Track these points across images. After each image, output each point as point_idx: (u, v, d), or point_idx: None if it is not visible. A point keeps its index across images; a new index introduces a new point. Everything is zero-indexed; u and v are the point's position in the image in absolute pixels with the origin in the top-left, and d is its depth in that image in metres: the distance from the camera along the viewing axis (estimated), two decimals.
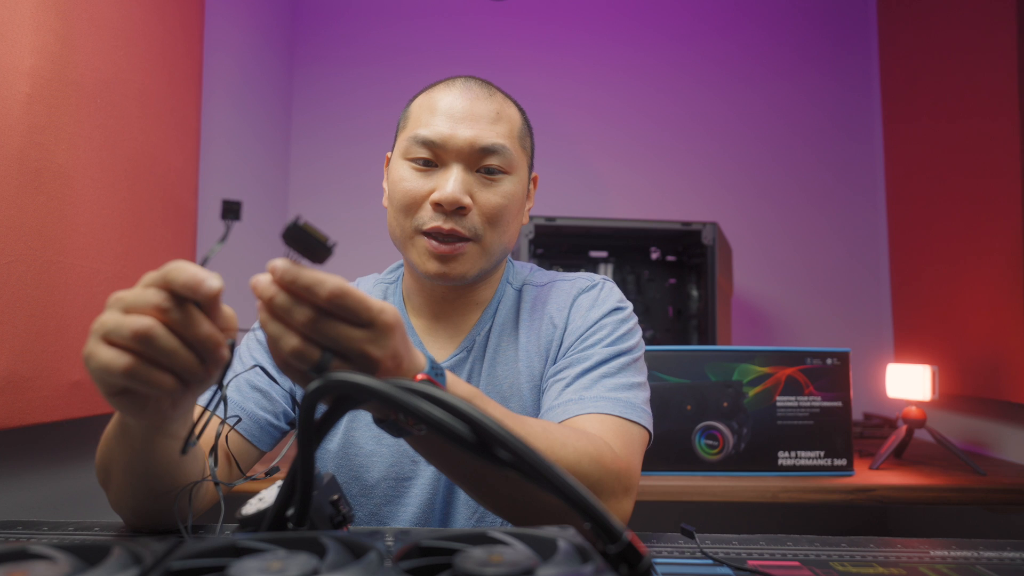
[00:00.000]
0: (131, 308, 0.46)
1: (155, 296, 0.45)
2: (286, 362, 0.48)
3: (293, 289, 0.46)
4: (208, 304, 0.46)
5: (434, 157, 0.79)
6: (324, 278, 0.46)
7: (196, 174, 1.45)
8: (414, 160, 0.79)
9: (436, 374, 0.56)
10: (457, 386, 0.58)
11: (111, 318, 0.46)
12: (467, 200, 0.77)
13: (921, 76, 1.89)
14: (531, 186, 0.90)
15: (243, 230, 1.81)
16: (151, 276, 0.47)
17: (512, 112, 0.83)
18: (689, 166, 2.20)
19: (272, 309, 0.46)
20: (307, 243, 0.47)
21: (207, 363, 0.47)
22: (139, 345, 0.45)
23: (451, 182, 0.76)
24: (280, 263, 0.46)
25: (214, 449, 0.62)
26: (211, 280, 0.45)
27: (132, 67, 1.21)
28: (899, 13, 2.02)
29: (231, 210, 0.48)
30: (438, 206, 0.77)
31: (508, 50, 2.21)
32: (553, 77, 2.21)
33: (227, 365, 0.49)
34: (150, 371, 0.46)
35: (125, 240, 1.19)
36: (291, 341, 0.46)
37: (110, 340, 0.46)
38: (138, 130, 1.23)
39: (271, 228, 2.04)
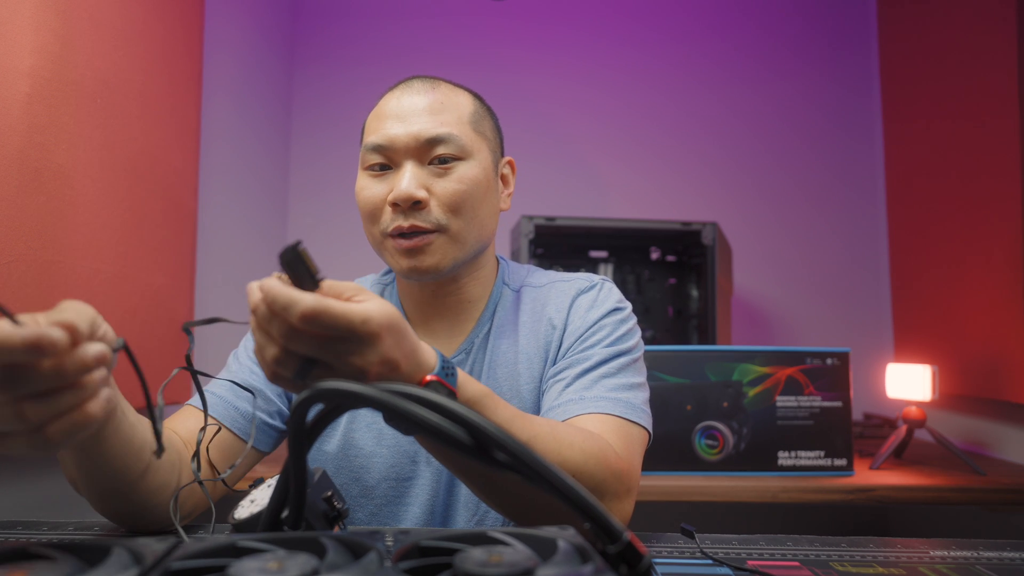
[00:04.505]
0: None
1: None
2: (271, 369, 0.50)
3: (272, 307, 0.47)
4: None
5: (387, 160, 0.80)
6: (298, 299, 0.46)
7: (196, 174, 1.45)
8: (370, 168, 0.80)
9: (447, 374, 0.55)
10: (468, 385, 0.58)
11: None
12: (421, 194, 0.77)
13: (921, 76, 1.90)
14: (506, 171, 0.89)
15: (244, 230, 1.81)
16: None
17: (459, 99, 0.83)
18: (689, 166, 2.20)
19: (256, 320, 0.49)
20: (298, 269, 0.48)
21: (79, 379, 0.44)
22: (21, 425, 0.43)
23: (403, 180, 0.77)
24: (267, 281, 0.48)
25: (196, 454, 0.62)
26: (52, 334, 0.41)
27: (132, 67, 1.21)
28: (899, 13, 2.02)
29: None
30: (396, 206, 0.78)
31: (508, 50, 2.21)
32: (553, 77, 2.21)
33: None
34: (49, 431, 0.43)
35: (125, 240, 1.19)
36: (271, 351, 0.49)
37: None
38: (138, 130, 1.23)
39: (271, 228, 2.04)
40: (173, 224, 1.36)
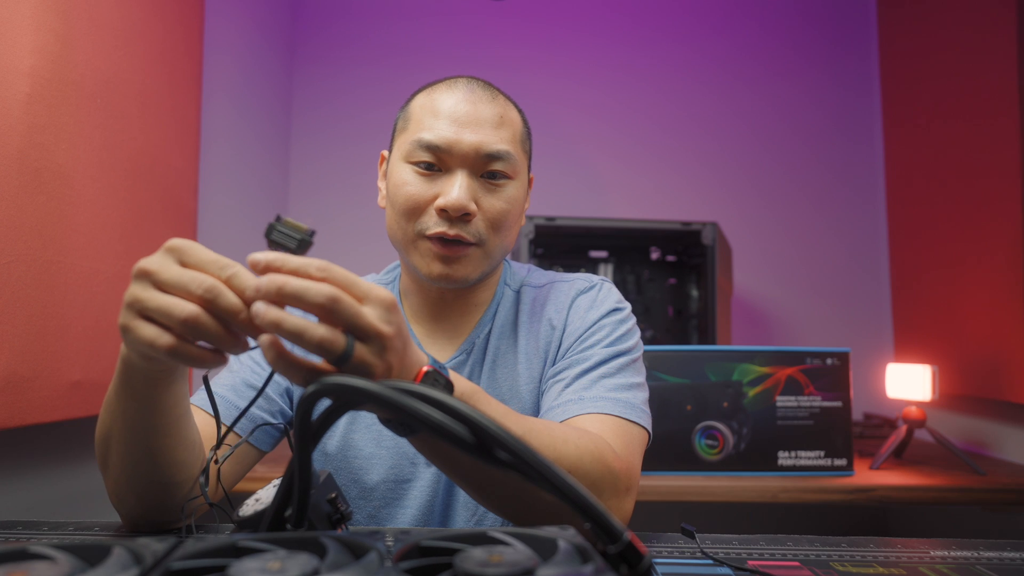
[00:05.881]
0: (169, 288, 0.47)
1: (200, 284, 0.46)
2: (295, 363, 0.47)
3: (283, 268, 0.47)
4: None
5: (438, 161, 0.78)
6: (308, 259, 0.48)
7: (196, 174, 1.45)
8: (417, 164, 0.78)
9: (439, 366, 0.56)
10: (460, 380, 0.58)
11: (152, 298, 0.47)
12: (473, 207, 0.76)
13: (921, 76, 1.90)
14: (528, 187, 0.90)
15: (243, 231, 1.81)
16: (199, 255, 0.48)
17: (514, 115, 0.83)
18: (689, 166, 2.20)
19: (286, 297, 0.46)
20: (290, 239, 0.48)
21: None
22: (183, 329, 0.46)
23: (457, 188, 0.76)
24: (261, 255, 0.47)
25: (206, 470, 0.62)
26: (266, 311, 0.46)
27: (132, 67, 1.21)
28: (899, 13, 2.02)
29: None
30: (443, 212, 0.76)
31: (508, 50, 2.21)
32: (553, 77, 2.21)
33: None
34: (190, 348, 0.48)
35: (125, 240, 1.19)
36: (319, 331, 0.45)
37: (149, 317, 0.48)
38: (138, 130, 1.23)
39: None
40: (173, 224, 1.36)
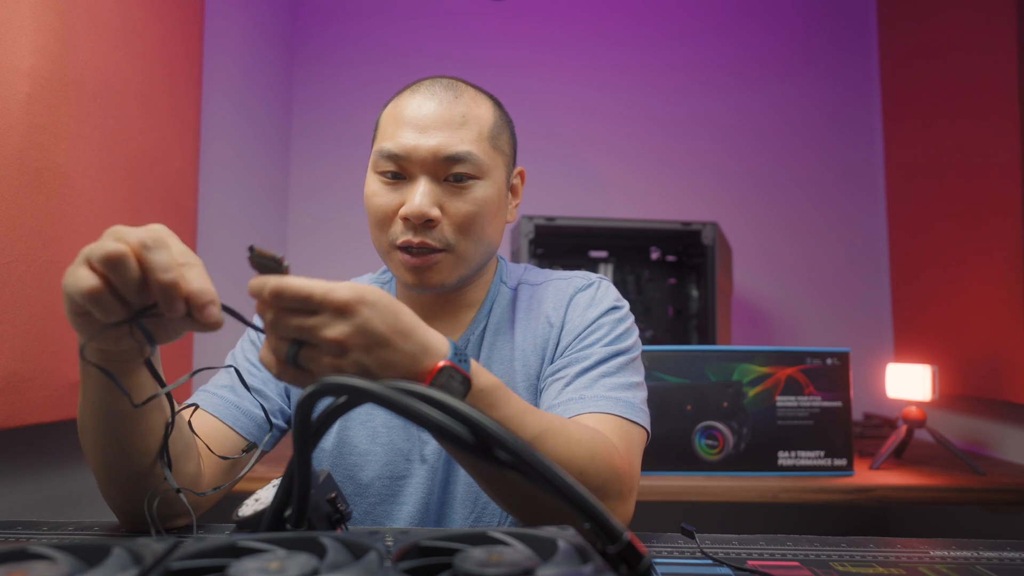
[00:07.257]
0: (111, 236, 0.50)
1: (142, 235, 0.50)
2: (276, 364, 0.53)
3: (250, 293, 0.51)
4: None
5: (400, 170, 0.77)
6: (264, 280, 0.50)
7: (196, 174, 1.45)
8: (382, 174, 0.78)
9: (460, 360, 0.55)
10: (481, 375, 0.57)
11: (97, 246, 0.49)
12: (435, 212, 0.76)
13: (921, 76, 1.90)
14: (516, 181, 0.88)
15: (243, 231, 1.81)
16: (167, 254, 0.51)
17: (482, 111, 0.80)
18: (689, 166, 2.20)
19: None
20: (263, 265, 0.52)
21: (168, 311, 0.50)
22: (106, 269, 0.48)
23: (417, 196, 0.75)
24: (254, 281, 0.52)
25: (163, 450, 0.62)
26: (215, 313, 0.50)
27: (132, 67, 1.21)
28: (899, 13, 2.02)
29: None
30: (407, 220, 0.76)
31: (508, 50, 2.21)
32: (553, 77, 2.21)
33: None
34: (109, 299, 0.49)
35: None
36: (271, 342, 0.52)
37: (90, 264, 0.50)
38: (138, 130, 1.23)
39: (271, 228, 2.04)
40: (173, 224, 1.35)
